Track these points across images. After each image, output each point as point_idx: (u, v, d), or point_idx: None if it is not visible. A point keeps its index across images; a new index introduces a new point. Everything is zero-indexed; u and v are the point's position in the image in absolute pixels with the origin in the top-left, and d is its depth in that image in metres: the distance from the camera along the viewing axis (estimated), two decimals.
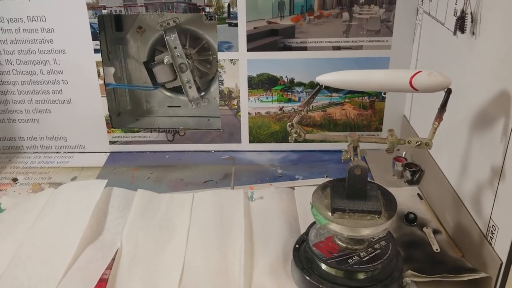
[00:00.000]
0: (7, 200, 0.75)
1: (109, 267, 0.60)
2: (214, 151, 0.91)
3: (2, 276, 0.59)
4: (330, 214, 0.54)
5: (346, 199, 0.55)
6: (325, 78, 0.55)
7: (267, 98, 0.87)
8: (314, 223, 0.61)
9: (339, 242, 0.58)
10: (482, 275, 0.55)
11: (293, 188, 0.78)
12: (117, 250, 0.63)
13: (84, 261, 0.61)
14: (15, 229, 0.68)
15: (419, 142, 0.53)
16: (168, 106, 0.98)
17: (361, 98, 0.87)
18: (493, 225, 0.54)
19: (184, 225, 0.69)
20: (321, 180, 0.80)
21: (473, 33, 0.59)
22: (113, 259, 0.62)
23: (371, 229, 0.53)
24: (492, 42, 0.55)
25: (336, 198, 0.55)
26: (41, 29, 0.81)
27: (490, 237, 0.54)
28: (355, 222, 0.53)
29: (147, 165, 0.87)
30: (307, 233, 0.61)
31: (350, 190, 0.55)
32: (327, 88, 0.56)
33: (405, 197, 0.75)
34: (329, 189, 0.58)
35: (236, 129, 0.90)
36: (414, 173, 0.78)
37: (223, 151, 0.91)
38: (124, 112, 0.96)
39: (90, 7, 0.80)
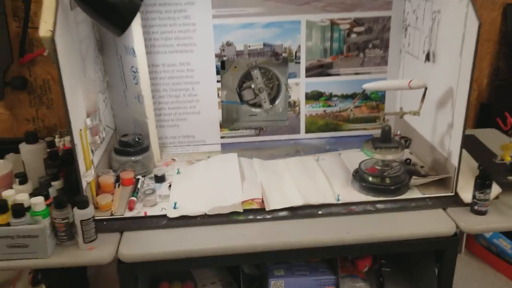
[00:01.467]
0: (179, 167, 1.30)
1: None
2: (284, 140, 1.49)
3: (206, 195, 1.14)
4: (374, 150, 1.13)
5: (381, 142, 1.14)
6: (366, 86, 1.15)
7: (316, 105, 1.46)
8: (362, 161, 1.20)
9: (377, 167, 1.16)
10: (447, 175, 1.14)
11: (339, 153, 1.37)
12: (260, 184, 1.19)
13: (247, 188, 1.16)
14: (194, 176, 1.23)
15: (414, 112, 1.13)
16: (249, 115, 1.55)
17: (371, 102, 1.47)
18: (450, 151, 1.14)
19: (286, 172, 1.25)
20: (352, 151, 1.38)
21: (434, 61, 1.20)
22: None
23: (395, 155, 1.12)
24: (442, 65, 1.16)
25: (376, 142, 1.14)
26: (186, 69, 1.38)
27: (449, 157, 1.14)
28: (386, 152, 1.12)
29: (247, 149, 1.44)
30: (359, 165, 1.19)
31: (383, 137, 1.14)
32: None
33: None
34: (370, 141, 1.17)
35: (297, 124, 1.48)
36: (406, 141, 1.38)
37: (290, 139, 1.48)
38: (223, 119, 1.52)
39: (216, 56, 1.38)
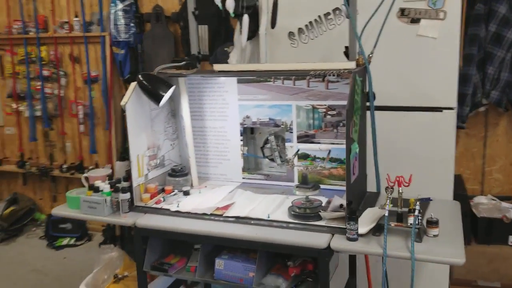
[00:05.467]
0: (203, 190, 2.08)
1: None
2: (282, 185, 2.12)
3: None
4: (296, 188, 1.71)
5: (302, 184, 1.71)
6: (320, 146, 1.76)
7: (304, 163, 2.07)
8: (297, 198, 1.77)
9: (302, 202, 1.72)
10: (342, 214, 1.63)
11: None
12: (233, 202, 1.88)
13: (222, 202, 1.87)
14: (204, 194, 1.98)
15: (322, 167, 1.69)
16: (269, 166, 2.23)
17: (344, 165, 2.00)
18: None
19: (257, 200, 1.90)
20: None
21: None
22: None
23: (310, 193, 1.68)
24: None
25: (299, 185, 1.72)
26: (223, 131, 2.18)
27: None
28: (304, 191, 1.69)
29: (253, 187, 2.12)
30: (292, 201, 1.77)
31: (303, 181, 1.71)
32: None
33: None
34: (297, 185, 1.75)
35: (291, 176, 2.10)
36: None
37: (286, 185, 2.11)
38: (247, 168, 2.24)
39: (240, 124, 2.14)
